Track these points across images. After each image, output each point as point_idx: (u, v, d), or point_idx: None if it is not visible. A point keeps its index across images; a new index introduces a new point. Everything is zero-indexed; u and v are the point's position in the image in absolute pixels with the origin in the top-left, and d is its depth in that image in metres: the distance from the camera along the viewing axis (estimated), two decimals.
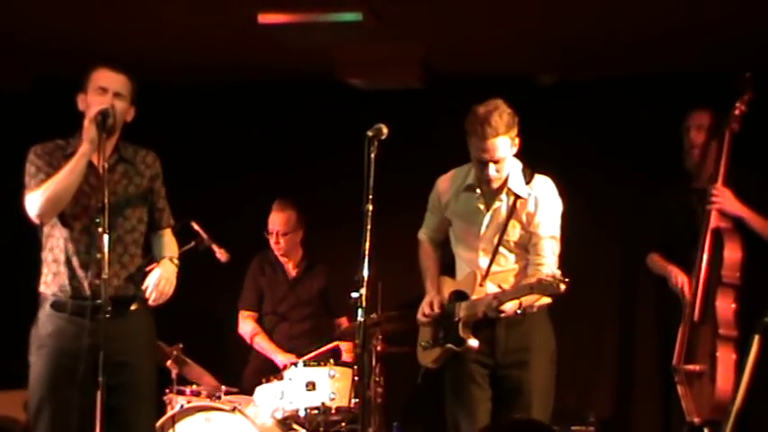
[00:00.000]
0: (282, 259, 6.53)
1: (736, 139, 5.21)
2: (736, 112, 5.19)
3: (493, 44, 6.29)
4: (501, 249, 4.77)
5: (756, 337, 4.11)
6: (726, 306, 5.06)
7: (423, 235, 5.10)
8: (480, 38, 6.19)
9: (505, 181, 4.75)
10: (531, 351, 4.77)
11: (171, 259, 4.57)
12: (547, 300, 4.81)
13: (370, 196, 4.38)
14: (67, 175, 4.30)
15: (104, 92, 4.39)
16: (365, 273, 4.36)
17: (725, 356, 4.94)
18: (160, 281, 4.41)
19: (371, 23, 5.71)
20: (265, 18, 5.71)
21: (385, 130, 4.43)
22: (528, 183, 4.78)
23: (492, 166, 4.68)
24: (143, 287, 4.40)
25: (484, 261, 4.80)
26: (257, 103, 7.05)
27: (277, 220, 6.44)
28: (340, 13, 5.68)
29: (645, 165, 6.39)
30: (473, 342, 4.73)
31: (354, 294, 4.39)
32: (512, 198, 4.76)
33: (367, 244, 4.36)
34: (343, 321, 6.26)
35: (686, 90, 6.12)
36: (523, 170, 4.81)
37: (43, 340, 4.39)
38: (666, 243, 5.44)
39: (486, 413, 4.81)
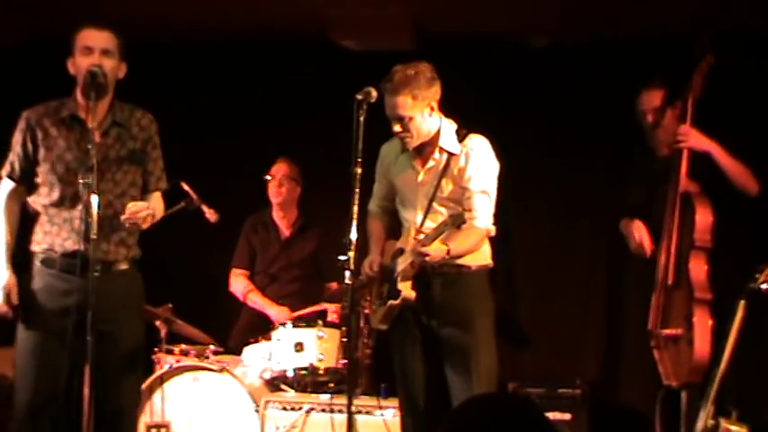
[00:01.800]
0: (277, 215, 6.53)
1: (697, 105, 5.20)
2: (698, 76, 5.17)
3: (485, 5, 6.26)
4: (435, 206, 4.83)
5: (741, 303, 4.16)
6: (699, 269, 5.06)
7: (372, 205, 5.12)
8: None
9: (437, 138, 4.81)
10: (471, 311, 4.80)
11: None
12: (486, 261, 4.88)
13: (359, 159, 4.41)
14: None
15: (90, 51, 4.37)
16: (353, 235, 4.39)
17: (701, 319, 4.96)
18: (143, 209, 4.32)
19: None
20: None
21: (374, 94, 4.48)
22: (461, 141, 4.82)
23: (396, 125, 4.75)
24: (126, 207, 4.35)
25: (419, 218, 4.86)
26: (249, 63, 7.02)
27: (282, 166, 6.49)
28: None
29: (637, 129, 6.39)
30: (408, 293, 4.76)
31: (342, 257, 4.41)
32: (445, 155, 4.81)
33: (355, 207, 4.39)
34: (332, 285, 6.27)
35: (683, 53, 6.09)
36: (457, 131, 4.86)
37: (32, 295, 4.40)
38: (634, 210, 5.44)
39: (431, 373, 4.84)
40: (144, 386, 5.50)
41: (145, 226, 4.41)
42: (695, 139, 5.15)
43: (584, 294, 6.77)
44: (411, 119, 4.72)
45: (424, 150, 4.85)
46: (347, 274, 4.42)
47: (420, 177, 4.86)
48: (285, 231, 6.56)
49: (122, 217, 4.31)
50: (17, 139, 4.45)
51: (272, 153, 6.58)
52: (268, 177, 6.47)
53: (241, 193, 6.70)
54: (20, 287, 4.41)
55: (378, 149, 4.98)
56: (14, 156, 4.45)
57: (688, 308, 5.03)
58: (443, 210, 4.81)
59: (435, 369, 4.83)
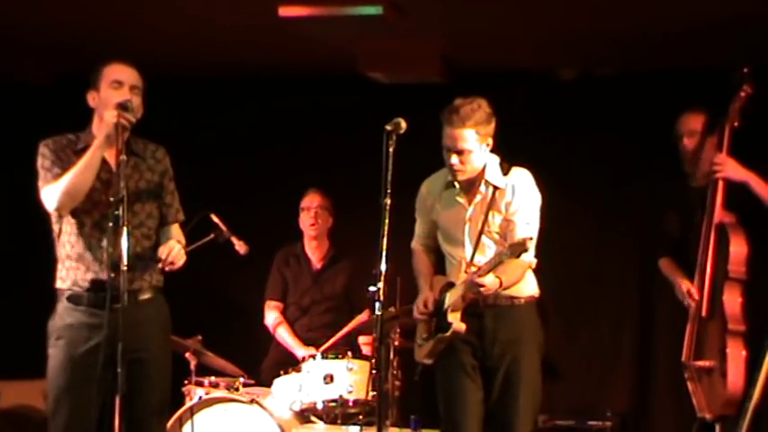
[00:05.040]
0: (310, 247, 6.55)
1: (736, 135, 5.17)
2: (736, 106, 5.15)
3: (513, 38, 6.28)
4: (484, 239, 4.83)
5: None
6: (733, 301, 5.04)
7: (415, 244, 5.13)
8: (501, 32, 6.19)
9: (483, 173, 4.83)
10: (521, 344, 4.82)
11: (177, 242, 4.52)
12: (534, 292, 4.90)
13: (388, 190, 4.42)
14: (84, 167, 4.31)
15: (121, 85, 4.39)
16: (383, 267, 4.39)
17: (735, 352, 4.94)
18: (174, 247, 4.38)
19: (392, 17, 5.73)
20: (286, 11, 5.73)
21: (404, 125, 4.47)
22: (505, 175, 4.85)
23: (454, 156, 4.76)
24: (158, 253, 4.38)
25: (469, 252, 4.86)
26: (278, 96, 7.07)
27: (316, 197, 6.51)
28: (360, 7, 5.69)
29: (665, 161, 6.37)
30: (458, 325, 4.76)
31: (372, 288, 4.42)
32: (491, 189, 4.83)
33: (384, 238, 4.39)
34: (363, 317, 6.26)
35: (708, 85, 6.08)
36: (501, 164, 4.87)
37: (61, 332, 4.41)
38: (672, 244, 5.41)
39: (479, 404, 4.83)
40: (174, 418, 5.52)
41: (181, 263, 4.43)
42: (732, 169, 5.12)
43: (615, 325, 6.74)
44: (470, 152, 4.75)
45: (471, 185, 4.86)
46: (377, 305, 4.42)
47: (468, 212, 4.86)
48: (317, 264, 6.57)
49: (160, 265, 4.37)
50: (54, 157, 4.41)
51: (303, 184, 6.60)
52: (300, 211, 6.48)
53: (271, 225, 6.72)
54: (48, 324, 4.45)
55: (407, 180, 4.99)
56: (56, 171, 4.38)
57: (721, 340, 5.01)
58: (492, 243, 4.82)
59: (485, 400, 4.83)
